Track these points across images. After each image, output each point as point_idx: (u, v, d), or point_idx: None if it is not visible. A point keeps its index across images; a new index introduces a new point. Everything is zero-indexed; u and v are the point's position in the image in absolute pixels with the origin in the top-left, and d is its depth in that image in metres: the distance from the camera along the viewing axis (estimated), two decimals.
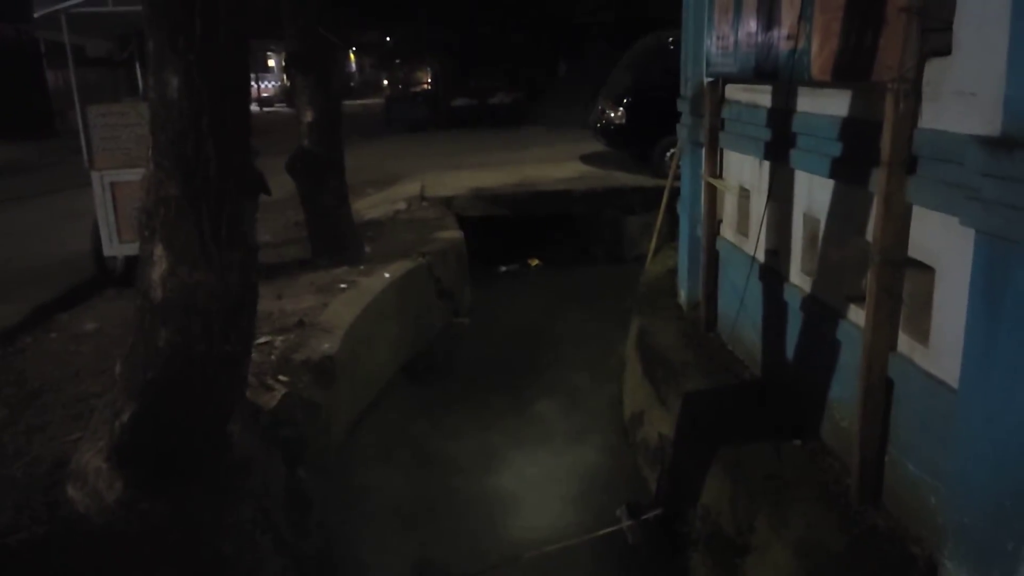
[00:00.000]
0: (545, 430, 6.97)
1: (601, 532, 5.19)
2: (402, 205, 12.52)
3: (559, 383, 7.96)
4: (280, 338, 6.67)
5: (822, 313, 4.66)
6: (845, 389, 4.41)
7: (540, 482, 6.17)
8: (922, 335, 3.75)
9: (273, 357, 6.25)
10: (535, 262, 12.60)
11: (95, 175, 8.01)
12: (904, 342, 3.85)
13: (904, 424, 3.86)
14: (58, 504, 4.02)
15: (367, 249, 9.62)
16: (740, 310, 5.99)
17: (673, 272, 8.01)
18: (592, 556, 5.15)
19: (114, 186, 8.08)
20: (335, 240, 9.18)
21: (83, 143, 7.95)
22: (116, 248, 8.25)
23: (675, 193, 8.36)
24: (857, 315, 4.24)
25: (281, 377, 5.88)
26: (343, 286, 8.20)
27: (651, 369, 6.43)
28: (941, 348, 3.61)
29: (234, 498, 4.40)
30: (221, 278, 4.11)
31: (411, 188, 13.44)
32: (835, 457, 4.53)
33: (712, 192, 6.52)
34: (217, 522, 4.22)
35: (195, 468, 4.23)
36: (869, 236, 4.00)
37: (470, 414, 7.31)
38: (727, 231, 6.51)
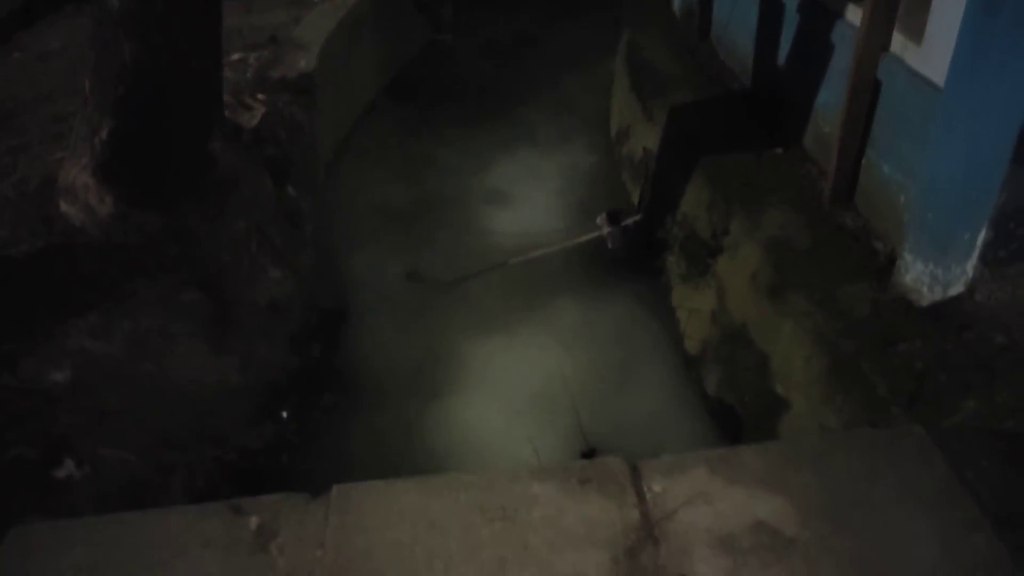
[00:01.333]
0: (531, 147, 6.97)
1: (582, 238, 5.43)
2: None
3: (547, 100, 7.79)
4: (253, 55, 6.37)
5: (819, 14, 4.43)
6: (832, 94, 4.33)
7: (525, 195, 6.31)
8: (916, 33, 3.60)
9: (249, 75, 6.02)
10: None
11: None
12: (897, 42, 3.71)
13: (885, 126, 3.85)
14: (53, 219, 4.11)
15: None
16: (734, 15, 5.68)
17: None
18: (574, 261, 5.44)
19: None
20: None
21: None
22: None
23: None
24: (855, 15, 4.03)
25: (259, 96, 5.70)
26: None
27: (639, 83, 6.26)
28: (933, 47, 3.48)
29: (227, 213, 4.49)
30: None
31: None
32: (814, 163, 4.59)
33: None
34: (213, 235, 4.36)
35: (182, 184, 4.27)
36: None
37: (457, 128, 7.26)
38: None
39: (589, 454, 3.95)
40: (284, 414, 4.27)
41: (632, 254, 5.42)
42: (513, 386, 4.46)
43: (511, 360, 4.65)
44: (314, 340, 4.82)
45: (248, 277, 4.49)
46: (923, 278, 3.36)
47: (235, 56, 6.26)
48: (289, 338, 4.67)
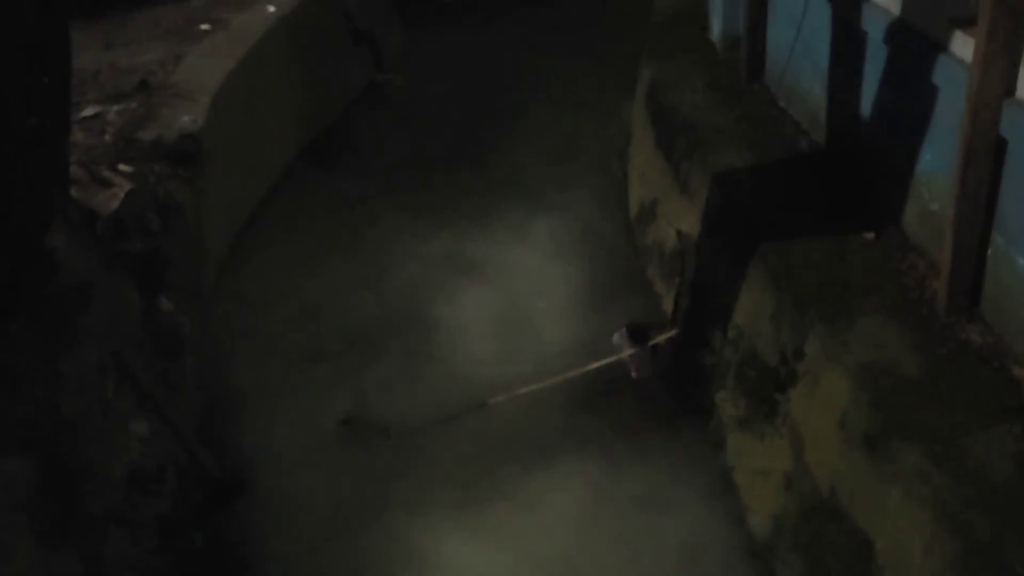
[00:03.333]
0: (515, 231, 7.10)
1: (592, 366, 5.47)
2: None
3: (534, 164, 8.00)
4: (115, 108, 6.58)
5: (915, 45, 4.65)
6: (940, 156, 4.50)
7: (508, 301, 6.39)
8: None
9: (108, 137, 6.20)
10: None
11: None
12: None
13: (1017, 201, 3.99)
14: None
15: None
16: (798, 47, 5.95)
17: None
18: (582, 399, 5.46)
19: None
20: None
21: None
22: None
23: None
24: (963, 46, 4.24)
25: (122, 167, 5.86)
26: (205, 28, 7.98)
27: (668, 139, 6.47)
28: None
29: (70, 341, 4.52)
30: (9, 7, 3.97)
31: None
32: (920, 253, 4.71)
33: None
34: (49, 373, 4.36)
35: (6, 299, 4.31)
36: None
37: (406, 210, 7.42)
38: None
39: None
40: None
41: (666, 387, 5.45)
42: None
43: (494, 558, 4.60)
44: (196, 526, 4.75)
45: (99, 435, 4.47)
46: None
47: (88, 111, 6.46)
48: (158, 524, 4.60)
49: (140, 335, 5.05)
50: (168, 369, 5.13)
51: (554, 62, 9.87)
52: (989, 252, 4.17)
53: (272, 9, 8.42)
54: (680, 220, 5.99)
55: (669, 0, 8.62)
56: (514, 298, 6.41)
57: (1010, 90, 3.94)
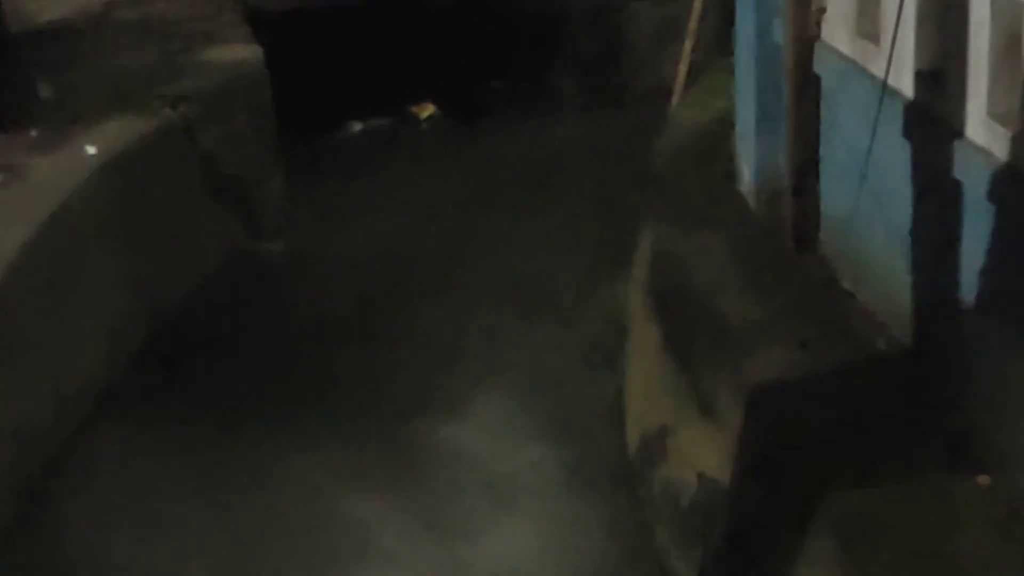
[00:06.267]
0: (451, 483, 7.11)
1: None
2: None
3: (480, 375, 8.08)
4: None
5: None
6: None
7: None
8: None
9: None
10: (428, 111, 12.65)
11: None
12: None
13: None
14: None
15: (44, 93, 9.54)
16: (864, 201, 6.08)
17: (725, 124, 8.09)
18: None
19: None
20: None
21: None
22: None
23: None
24: None
25: None
26: None
27: (682, 339, 6.53)
28: None
29: None
30: None
31: None
32: None
33: None
34: None
35: None
36: None
37: (282, 454, 7.42)
38: (836, 33, 6.59)
39: None
40: None
41: None
42: None
43: None
44: None
45: None
46: None
47: None
48: None
49: None
50: None
51: (505, 225, 10.03)
52: None
53: (92, 151, 8.49)
54: (703, 457, 5.99)
55: (676, 133, 8.86)
56: None
57: None
